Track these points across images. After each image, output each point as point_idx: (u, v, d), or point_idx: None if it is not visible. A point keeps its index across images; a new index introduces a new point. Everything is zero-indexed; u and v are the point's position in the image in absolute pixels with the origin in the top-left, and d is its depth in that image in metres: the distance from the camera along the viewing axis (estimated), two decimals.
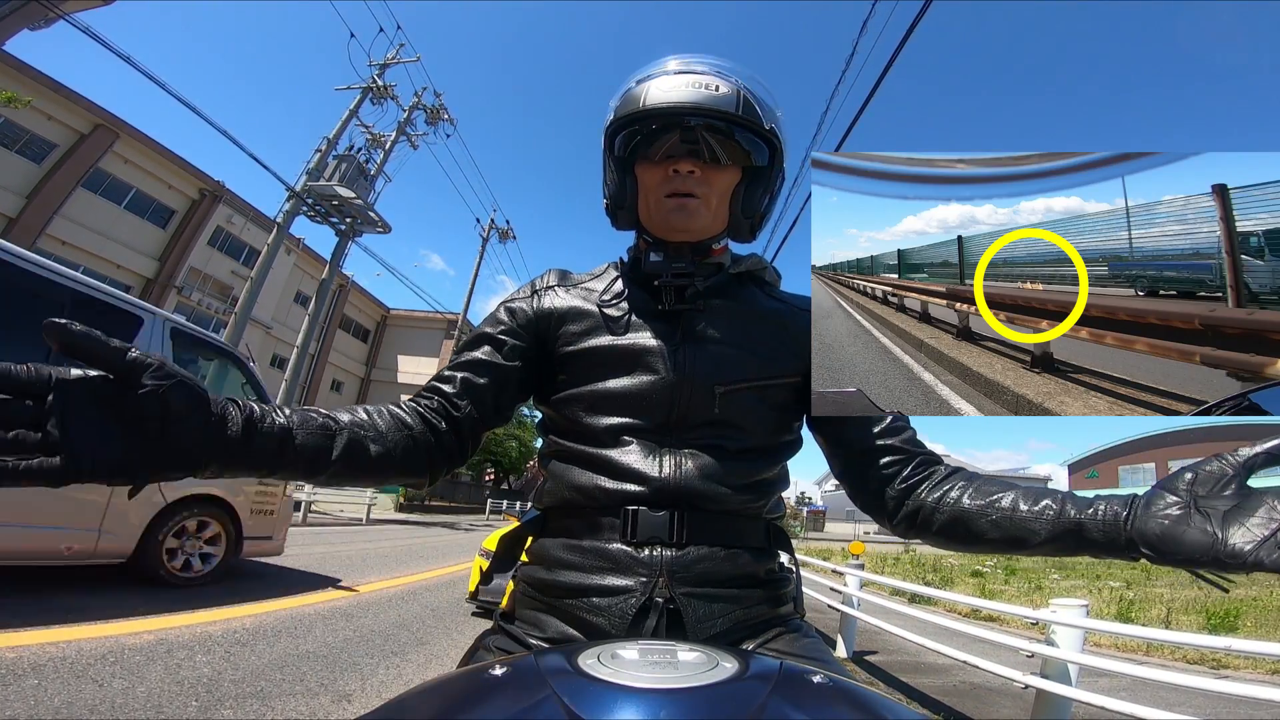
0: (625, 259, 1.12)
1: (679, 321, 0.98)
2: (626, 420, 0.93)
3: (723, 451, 0.92)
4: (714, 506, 0.89)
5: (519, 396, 1.04)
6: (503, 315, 1.04)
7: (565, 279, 1.09)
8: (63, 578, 5.11)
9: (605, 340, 0.98)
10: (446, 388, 0.99)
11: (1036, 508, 0.76)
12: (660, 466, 0.89)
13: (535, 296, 1.05)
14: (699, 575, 0.85)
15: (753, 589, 0.91)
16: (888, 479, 0.93)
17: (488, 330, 1.03)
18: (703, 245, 1.01)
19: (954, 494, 0.85)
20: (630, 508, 0.88)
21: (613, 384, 0.95)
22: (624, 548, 0.86)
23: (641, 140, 0.96)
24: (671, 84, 0.94)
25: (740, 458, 0.93)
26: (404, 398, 0.97)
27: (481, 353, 1.01)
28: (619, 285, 1.04)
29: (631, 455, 0.90)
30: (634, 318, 1.00)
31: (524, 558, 1.01)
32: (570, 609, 0.86)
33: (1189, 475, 0.67)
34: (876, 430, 0.94)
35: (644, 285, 1.03)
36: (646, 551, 0.85)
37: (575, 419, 0.96)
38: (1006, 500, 0.79)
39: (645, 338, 0.96)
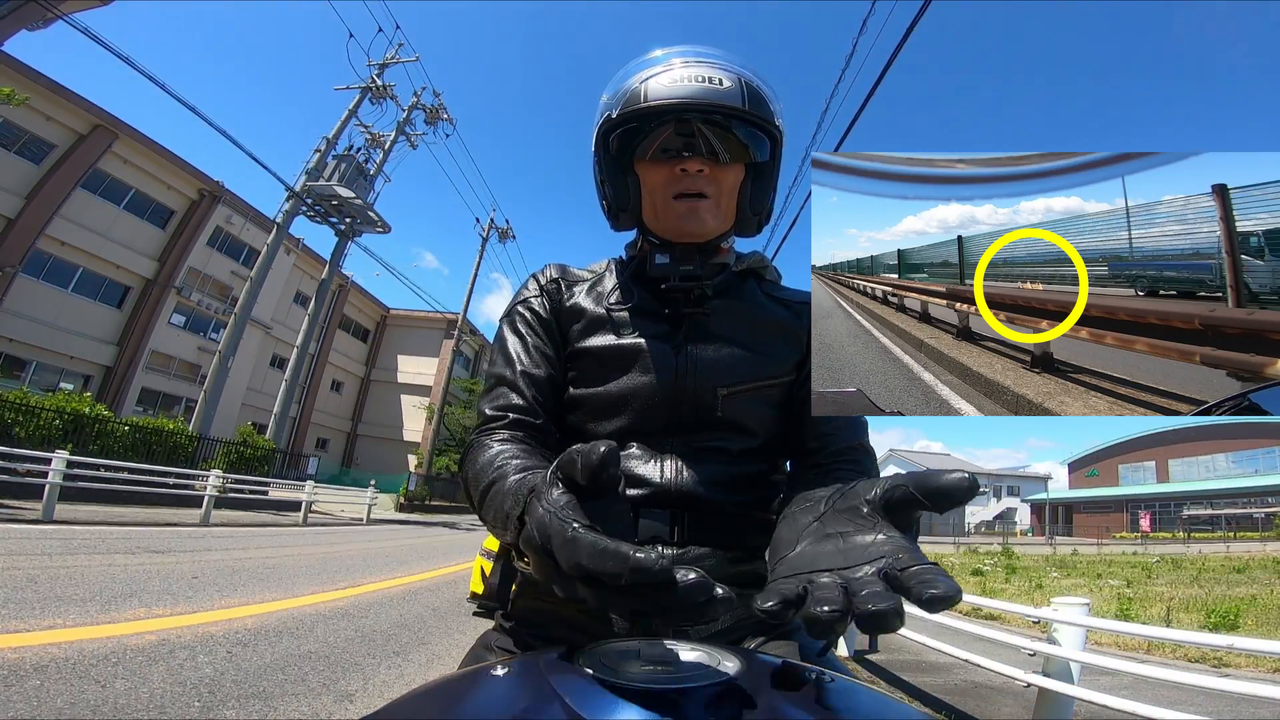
0: (625, 257, 1.09)
1: (683, 323, 0.96)
2: (628, 423, 0.92)
3: (725, 454, 0.91)
4: (715, 509, 0.88)
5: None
6: (530, 319, 1.02)
7: (566, 274, 1.06)
8: (64, 579, 5.12)
9: (608, 341, 0.95)
10: (529, 417, 0.93)
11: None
12: (662, 471, 0.88)
13: (545, 295, 1.03)
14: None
15: (755, 587, 0.90)
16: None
17: (529, 340, 1.00)
18: (710, 245, 0.99)
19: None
20: (633, 505, 0.87)
21: (614, 387, 0.93)
22: None
23: (640, 138, 0.93)
24: (673, 79, 0.91)
25: (742, 459, 0.92)
26: (497, 438, 0.87)
27: (539, 365, 0.98)
28: (622, 286, 1.02)
29: (633, 460, 0.90)
30: (638, 319, 0.97)
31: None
32: (571, 609, 0.86)
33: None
34: (819, 431, 0.91)
35: (648, 286, 1.00)
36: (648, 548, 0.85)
37: (575, 422, 0.95)
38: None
39: (648, 340, 0.94)
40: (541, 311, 1.02)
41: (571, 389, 0.97)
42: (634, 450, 0.91)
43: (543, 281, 1.05)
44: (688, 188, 0.92)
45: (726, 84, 0.90)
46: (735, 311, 0.99)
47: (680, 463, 0.89)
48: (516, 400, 0.94)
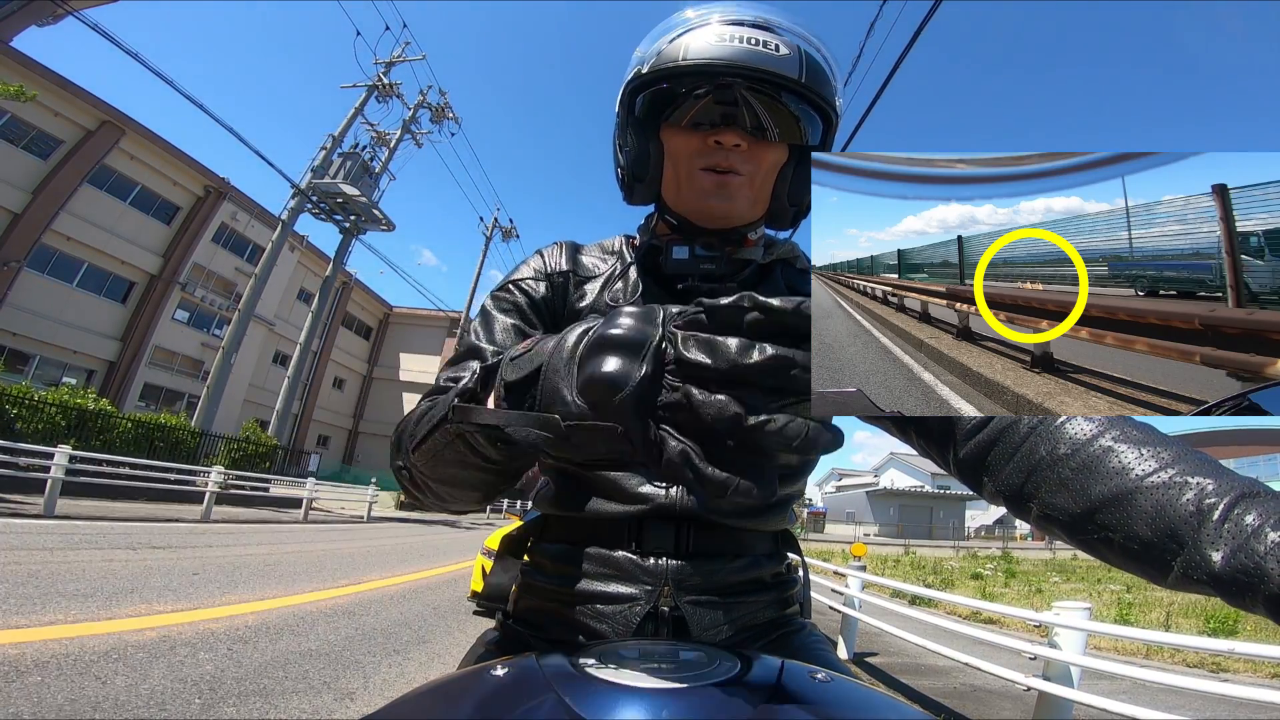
0: (636, 239, 0.97)
1: None
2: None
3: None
4: (723, 526, 0.85)
5: None
6: (523, 303, 0.90)
7: (578, 266, 0.94)
8: (65, 574, 5.13)
9: None
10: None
11: (1155, 534, 0.53)
12: (666, 492, 0.83)
13: (548, 283, 0.92)
14: (704, 583, 0.82)
15: (759, 594, 0.87)
16: (952, 439, 0.73)
17: (515, 323, 0.89)
18: (736, 234, 0.86)
19: (1039, 482, 0.62)
20: (635, 519, 0.84)
21: None
22: (629, 555, 0.82)
23: (671, 101, 0.81)
24: (719, 36, 0.78)
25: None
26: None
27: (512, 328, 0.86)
28: (632, 276, 0.91)
29: (635, 479, 0.84)
30: None
31: (525, 557, 0.96)
32: (573, 615, 0.83)
33: None
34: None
35: (660, 280, 0.90)
36: (652, 560, 0.81)
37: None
38: (1111, 514, 0.56)
39: None
40: (536, 297, 0.91)
41: None
42: (635, 473, 0.84)
43: (549, 268, 0.94)
44: (719, 163, 0.80)
45: (783, 50, 0.77)
46: None
47: (684, 489, 0.83)
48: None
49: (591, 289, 0.91)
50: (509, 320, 0.88)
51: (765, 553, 0.90)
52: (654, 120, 0.84)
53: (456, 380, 0.77)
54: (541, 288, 0.91)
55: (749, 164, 0.81)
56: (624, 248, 0.96)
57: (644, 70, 0.81)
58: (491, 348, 0.85)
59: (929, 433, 0.77)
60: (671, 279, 0.86)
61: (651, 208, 0.94)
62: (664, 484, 0.83)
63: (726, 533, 0.85)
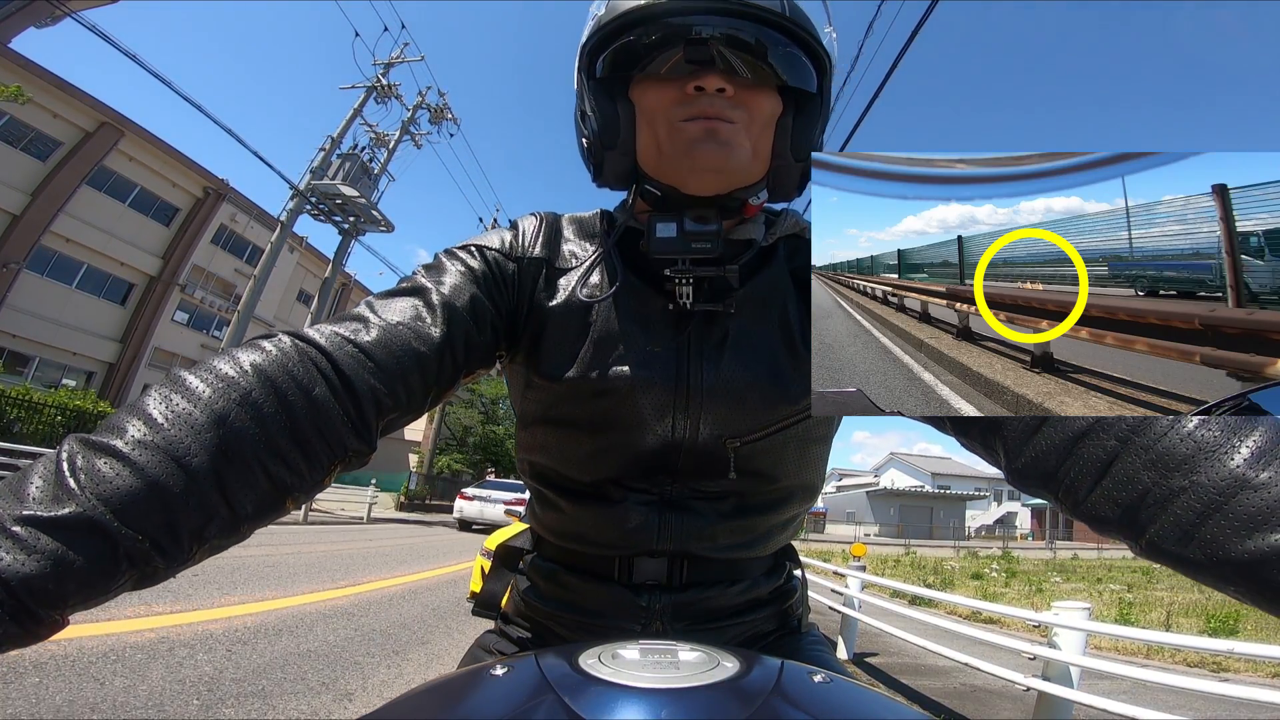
0: (615, 217, 0.83)
1: (690, 333, 0.74)
2: (615, 478, 0.76)
3: (738, 504, 0.78)
4: (721, 558, 0.79)
5: (463, 371, 0.72)
6: (479, 266, 0.75)
7: (555, 248, 0.81)
8: None
9: (589, 374, 0.73)
10: (376, 379, 0.61)
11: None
12: (660, 529, 0.75)
13: (519, 267, 0.78)
14: (700, 612, 0.79)
15: (757, 611, 0.85)
16: (1000, 440, 0.59)
17: (461, 280, 0.73)
18: (733, 202, 0.72)
19: (1149, 520, 0.46)
20: (626, 553, 0.78)
21: (588, 432, 0.76)
22: (620, 589, 0.78)
23: (636, 58, 0.69)
24: None
25: (759, 507, 0.79)
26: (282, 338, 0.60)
27: (468, 316, 0.70)
28: (608, 270, 0.78)
29: (625, 515, 0.76)
30: (627, 328, 0.75)
31: (520, 565, 0.94)
32: (571, 610, 0.83)
33: None
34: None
35: (642, 268, 0.77)
36: (645, 596, 0.77)
37: (554, 465, 0.80)
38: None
39: (639, 370, 0.73)
40: (500, 274, 0.77)
41: (543, 418, 0.79)
42: (624, 506, 0.76)
43: (523, 250, 0.79)
44: (705, 110, 0.67)
45: None
46: (763, 305, 0.77)
47: (678, 515, 0.76)
48: (405, 337, 0.64)
49: (566, 284, 0.78)
50: (465, 283, 0.73)
51: (764, 571, 0.86)
52: (620, 81, 0.72)
53: (345, 337, 0.62)
54: (510, 267, 0.78)
55: (738, 110, 0.68)
56: (600, 225, 0.84)
57: (600, 25, 0.70)
58: (440, 290, 0.70)
59: (969, 432, 0.64)
60: (656, 264, 0.72)
61: (626, 193, 0.80)
62: (660, 519, 0.76)
63: (722, 562, 0.80)
